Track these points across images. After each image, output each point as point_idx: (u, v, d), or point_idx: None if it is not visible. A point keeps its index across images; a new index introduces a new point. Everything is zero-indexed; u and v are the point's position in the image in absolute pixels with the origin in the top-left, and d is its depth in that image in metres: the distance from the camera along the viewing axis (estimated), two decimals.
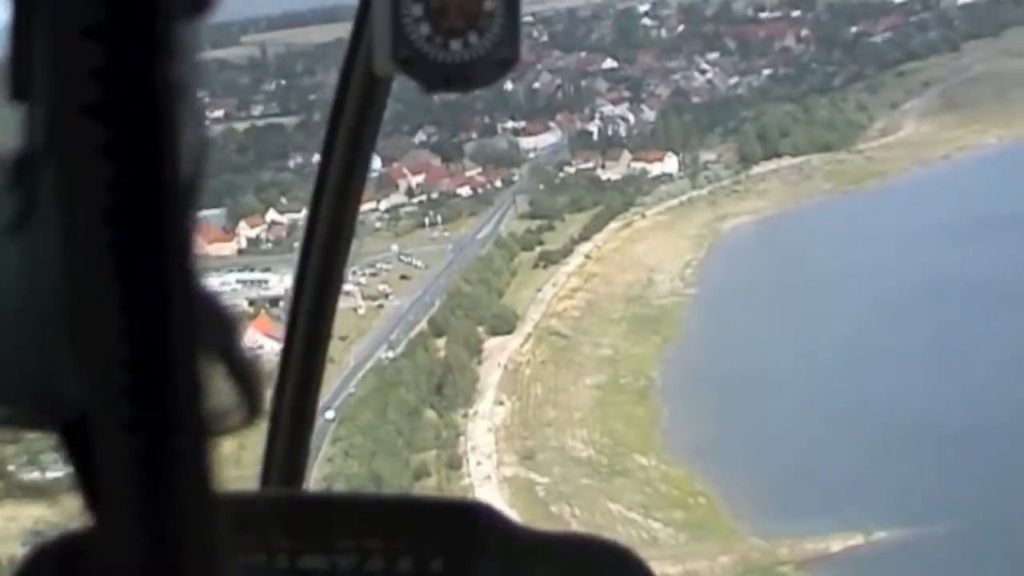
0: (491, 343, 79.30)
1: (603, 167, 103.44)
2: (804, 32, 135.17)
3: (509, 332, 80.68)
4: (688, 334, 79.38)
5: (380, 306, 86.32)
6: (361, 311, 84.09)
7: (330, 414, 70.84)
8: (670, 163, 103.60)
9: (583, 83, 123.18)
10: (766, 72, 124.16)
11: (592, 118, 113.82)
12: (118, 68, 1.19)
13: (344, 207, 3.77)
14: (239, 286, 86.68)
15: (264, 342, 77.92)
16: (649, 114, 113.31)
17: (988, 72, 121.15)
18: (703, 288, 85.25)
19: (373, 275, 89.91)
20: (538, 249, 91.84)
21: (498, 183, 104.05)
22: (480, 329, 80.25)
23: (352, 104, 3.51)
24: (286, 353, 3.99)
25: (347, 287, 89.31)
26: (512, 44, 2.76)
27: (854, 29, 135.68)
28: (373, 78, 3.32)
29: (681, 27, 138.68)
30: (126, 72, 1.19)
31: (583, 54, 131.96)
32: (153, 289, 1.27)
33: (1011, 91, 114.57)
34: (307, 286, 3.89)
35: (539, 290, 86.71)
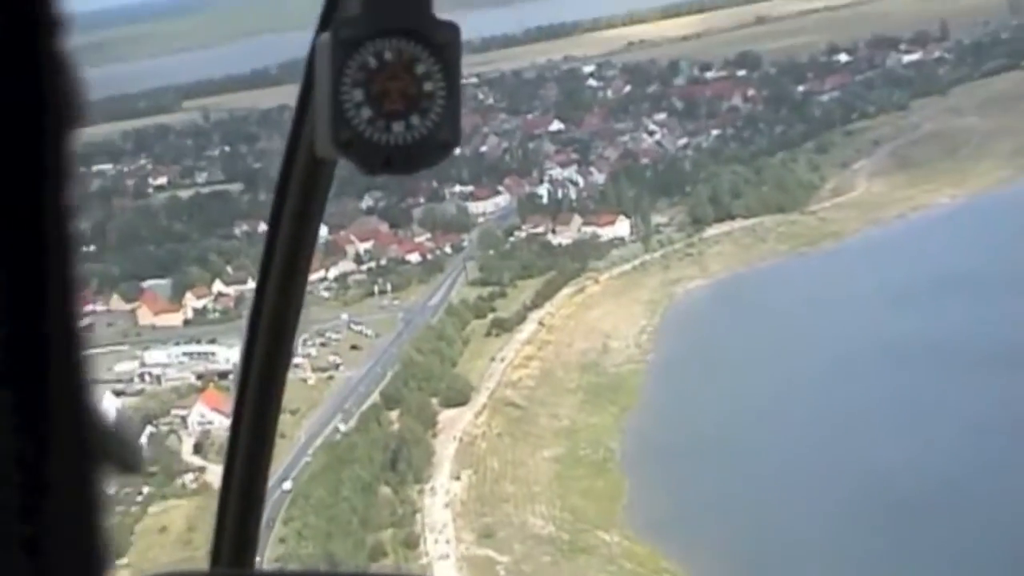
0: (445, 415, 78.47)
1: (554, 232, 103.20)
2: (751, 92, 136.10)
3: (463, 403, 79.90)
4: (647, 402, 78.78)
5: (330, 377, 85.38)
6: (311, 382, 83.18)
7: (288, 484, 69.99)
8: (622, 227, 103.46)
9: (530, 145, 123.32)
10: (715, 132, 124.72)
11: (541, 181, 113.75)
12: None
13: (291, 287, 3.76)
14: (186, 359, 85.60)
15: (213, 417, 77.16)
16: (598, 177, 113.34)
17: (937, 131, 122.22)
18: (660, 354, 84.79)
19: (323, 345, 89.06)
20: (490, 316, 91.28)
21: (448, 249, 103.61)
22: (434, 400, 79.45)
23: (296, 185, 3.51)
24: (235, 428, 3.96)
25: (296, 358, 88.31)
26: (452, 127, 2.77)
27: (801, 88, 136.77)
28: (316, 160, 3.31)
29: (627, 88, 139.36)
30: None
31: (529, 116, 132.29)
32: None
33: (961, 150, 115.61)
34: (255, 364, 3.86)
35: (493, 359, 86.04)
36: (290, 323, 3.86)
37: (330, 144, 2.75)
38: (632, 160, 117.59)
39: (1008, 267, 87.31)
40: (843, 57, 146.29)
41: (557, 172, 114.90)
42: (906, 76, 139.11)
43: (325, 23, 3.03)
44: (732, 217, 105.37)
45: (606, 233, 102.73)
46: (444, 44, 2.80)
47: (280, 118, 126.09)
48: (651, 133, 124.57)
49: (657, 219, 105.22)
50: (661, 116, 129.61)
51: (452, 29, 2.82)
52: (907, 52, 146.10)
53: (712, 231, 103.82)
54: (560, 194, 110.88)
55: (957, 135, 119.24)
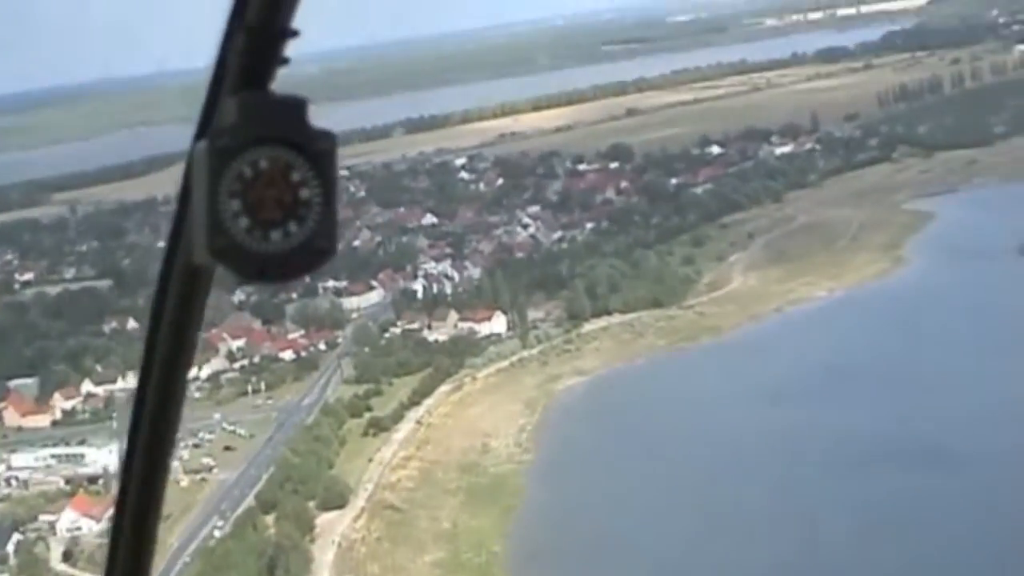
0: (323, 519, 77.18)
1: (429, 327, 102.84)
2: (624, 184, 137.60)
3: (342, 506, 78.69)
4: (529, 503, 78.15)
5: (204, 480, 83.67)
6: (184, 484, 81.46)
7: None
8: (498, 322, 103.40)
9: (404, 239, 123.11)
10: (589, 225, 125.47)
11: (415, 276, 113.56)
12: None
13: (170, 391, 3.72)
14: (54, 462, 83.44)
15: (83, 523, 75.14)
16: (473, 271, 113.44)
17: (812, 223, 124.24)
18: (541, 453, 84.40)
19: (195, 447, 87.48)
20: (367, 415, 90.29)
21: (322, 346, 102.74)
22: (311, 504, 78.15)
23: (175, 290, 3.49)
24: (115, 532, 3.86)
25: None
26: (329, 234, 2.83)
27: (675, 181, 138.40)
28: (193, 267, 3.32)
29: (500, 180, 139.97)
30: None
31: (402, 209, 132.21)
32: None
33: (837, 242, 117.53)
34: (136, 469, 3.80)
35: (370, 460, 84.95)
36: (171, 425, 3.83)
37: (206, 252, 2.78)
38: (507, 254, 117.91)
39: (889, 362, 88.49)
40: (715, 149, 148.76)
41: (432, 266, 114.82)
42: (779, 168, 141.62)
43: (202, 130, 3.04)
44: (609, 312, 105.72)
45: (483, 329, 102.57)
46: (320, 152, 2.84)
47: (150, 211, 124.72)
48: (525, 226, 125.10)
49: (534, 314, 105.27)
50: (535, 209, 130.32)
51: (328, 137, 2.85)
52: (779, 145, 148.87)
53: (590, 326, 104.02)
54: (435, 289, 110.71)
55: (832, 227, 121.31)
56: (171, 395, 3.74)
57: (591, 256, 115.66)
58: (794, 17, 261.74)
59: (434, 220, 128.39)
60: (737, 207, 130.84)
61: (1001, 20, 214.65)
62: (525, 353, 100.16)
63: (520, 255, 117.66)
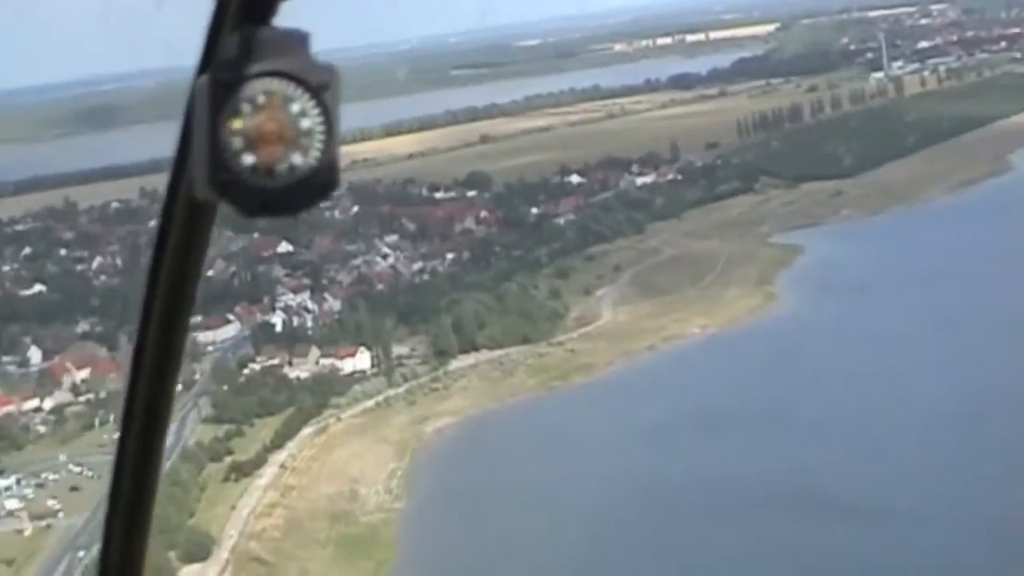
0: (185, 572, 73.56)
1: (291, 364, 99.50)
2: (484, 214, 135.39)
3: (204, 558, 75.34)
4: (403, 556, 75.32)
5: (48, 526, 79.44)
6: (27, 533, 77.34)
7: None
8: (362, 359, 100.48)
9: (260, 269, 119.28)
10: (450, 256, 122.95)
11: (274, 308, 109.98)
12: None
13: (172, 329, 3.82)
14: None
15: None
16: (333, 303, 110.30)
17: (679, 255, 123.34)
18: (413, 501, 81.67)
19: (39, 487, 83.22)
20: (228, 459, 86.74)
21: (177, 384, 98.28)
22: (171, 555, 74.38)
23: (177, 227, 3.56)
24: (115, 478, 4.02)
25: (11, 503, 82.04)
26: (331, 169, 2.90)
27: (535, 211, 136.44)
28: (196, 202, 3.39)
29: (355, 208, 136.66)
30: None
31: (256, 236, 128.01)
32: None
33: (705, 276, 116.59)
34: (135, 413, 3.96)
35: (233, 507, 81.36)
36: (173, 361, 3.89)
37: (207, 186, 2.83)
38: (367, 285, 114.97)
39: (768, 402, 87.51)
40: (575, 178, 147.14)
41: (290, 298, 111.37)
42: (641, 199, 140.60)
43: (204, 66, 3.10)
44: (477, 348, 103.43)
45: (346, 366, 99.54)
46: (322, 85, 2.90)
47: None
48: (384, 256, 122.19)
49: (399, 350, 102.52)
50: (393, 238, 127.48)
51: (330, 71, 2.91)
52: (640, 174, 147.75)
53: (457, 363, 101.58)
54: (295, 323, 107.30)
55: (699, 261, 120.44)
56: (174, 331, 3.79)
57: (454, 289, 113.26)
58: (643, 43, 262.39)
59: (290, 248, 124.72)
60: (601, 238, 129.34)
61: (852, 48, 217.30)
62: (391, 392, 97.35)
63: (381, 287, 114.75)
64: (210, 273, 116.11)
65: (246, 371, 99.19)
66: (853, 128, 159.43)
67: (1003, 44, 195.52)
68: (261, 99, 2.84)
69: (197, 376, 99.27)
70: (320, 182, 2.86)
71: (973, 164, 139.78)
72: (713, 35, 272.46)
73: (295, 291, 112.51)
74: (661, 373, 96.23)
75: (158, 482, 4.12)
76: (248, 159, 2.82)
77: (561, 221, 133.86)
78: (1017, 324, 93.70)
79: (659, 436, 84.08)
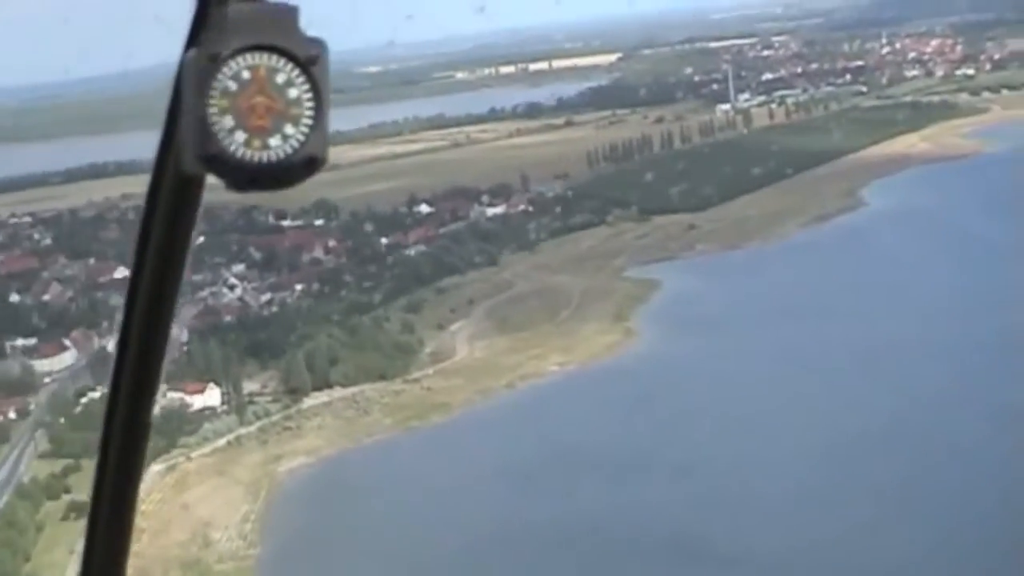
0: None
1: None
2: (332, 243, 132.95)
3: None
4: None
5: None
6: None
7: None
8: (212, 395, 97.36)
9: (98, 295, 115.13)
10: (299, 287, 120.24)
11: (112, 336, 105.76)
12: None
13: (160, 303, 3.92)
14: None
15: None
16: (181, 334, 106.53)
17: (533, 290, 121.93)
18: (268, 547, 78.71)
19: None
20: (66, 497, 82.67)
21: (12, 415, 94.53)
22: None
23: (165, 201, 3.63)
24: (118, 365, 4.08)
25: None
26: (320, 143, 2.96)
27: (385, 241, 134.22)
28: (184, 176, 3.44)
29: (200, 236, 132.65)
30: None
31: (92, 261, 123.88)
32: None
33: (561, 311, 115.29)
34: (122, 389, 4.02)
35: (72, 551, 77.47)
36: (160, 338, 3.94)
37: (196, 160, 2.90)
38: (215, 317, 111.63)
39: (630, 444, 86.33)
40: (424, 208, 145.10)
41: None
42: (493, 230, 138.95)
43: (192, 41, 3.12)
44: (331, 385, 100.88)
45: (196, 402, 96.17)
46: (311, 60, 2.97)
47: None
48: (232, 287, 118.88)
49: (249, 386, 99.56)
50: (240, 268, 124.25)
51: (319, 45, 2.99)
52: (490, 205, 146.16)
53: (311, 401, 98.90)
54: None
55: (554, 295, 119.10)
56: (161, 306, 3.85)
57: (305, 322, 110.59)
58: (486, 71, 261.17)
59: (128, 274, 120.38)
60: (453, 270, 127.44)
61: (697, 79, 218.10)
62: (243, 431, 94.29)
63: (229, 319, 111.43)
64: (46, 297, 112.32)
65: (84, 400, 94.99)
66: (704, 161, 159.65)
67: (848, 77, 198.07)
68: (249, 73, 2.86)
69: (32, 407, 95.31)
70: (309, 155, 2.90)
71: (825, 199, 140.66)
72: (556, 64, 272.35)
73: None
74: (521, 412, 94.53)
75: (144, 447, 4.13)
76: (240, 134, 2.84)
77: (412, 252, 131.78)
78: (879, 362, 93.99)
79: (520, 478, 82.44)
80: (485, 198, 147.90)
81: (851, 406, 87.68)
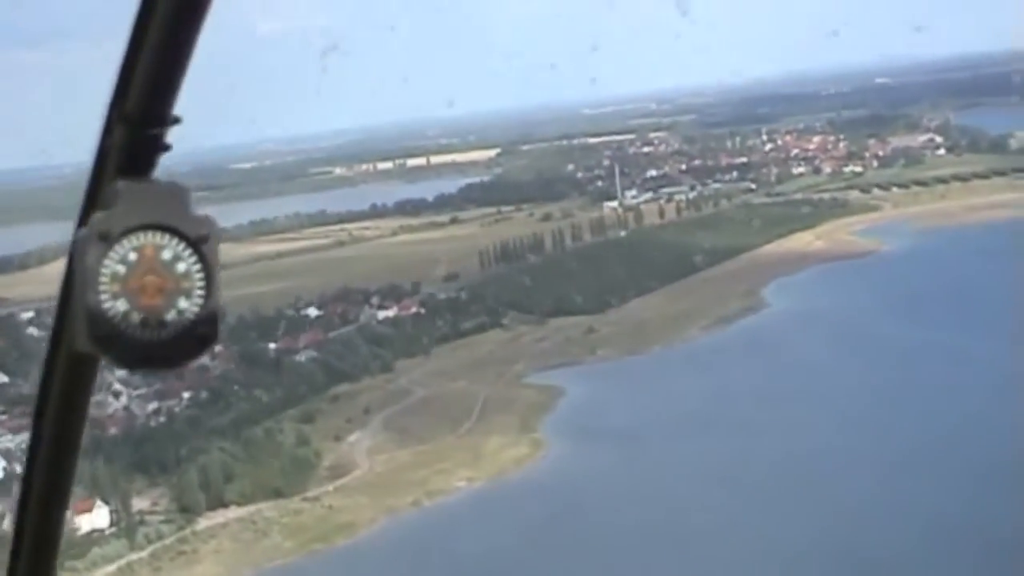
0: None
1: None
2: (219, 348, 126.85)
3: None
4: None
5: None
6: None
7: None
8: (100, 514, 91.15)
9: None
10: (187, 395, 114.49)
11: None
12: None
13: (57, 481, 3.91)
14: None
15: None
16: None
17: (431, 397, 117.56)
18: None
19: None
20: None
21: None
22: None
23: (59, 380, 3.67)
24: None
25: None
26: (211, 321, 2.97)
27: (274, 346, 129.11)
28: (78, 355, 3.48)
29: None
30: None
31: None
32: None
33: (463, 422, 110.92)
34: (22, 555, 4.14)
35: None
36: (59, 510, 4.00)
37: (87, 340, 2.90)
38: (99, 429, 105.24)
39: (547, 568, 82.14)
40: (313, 311, 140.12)
41: (8, 439, 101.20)
42: (385, 334, 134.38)
43: (84, 218, 3.17)
44: (226, 504, 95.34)
45: (83, 523, 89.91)
46: (201, 239, 3.00)
47: None
48: (117, 395, 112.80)
49: (139, 504, 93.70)
50: (123, 374, 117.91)
51: (209, 224, 3.03)
52: (381, 307, 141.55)
53: (206, 522, 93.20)
54: (17, 468, 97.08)
55: (454, 404, 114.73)
56: (58, 483, 3.86)
57: (195, 434, 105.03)
58: (364, 167, 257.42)
59: (6, 379, 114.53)
60: (346, 377, 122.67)
61: (580, 175, 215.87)
62: (134, 556, 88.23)
63: (115, 431, 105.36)
64: None
65: None
66: (598, 260, 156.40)
67: (735, 174, 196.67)
68: (136, 254, 2.88)
69: None
70: (201, 334, 2.90)
71: (725, 300, 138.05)
72: (434, 160, 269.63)
73: (13, 432, 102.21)
74: (430, 533, 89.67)
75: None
76: (134, 316, 2.85)
77: (302, 358, 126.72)
78: (800, 475, 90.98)
79: None
80: (375, 300, 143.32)
81: (777, 523, 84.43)
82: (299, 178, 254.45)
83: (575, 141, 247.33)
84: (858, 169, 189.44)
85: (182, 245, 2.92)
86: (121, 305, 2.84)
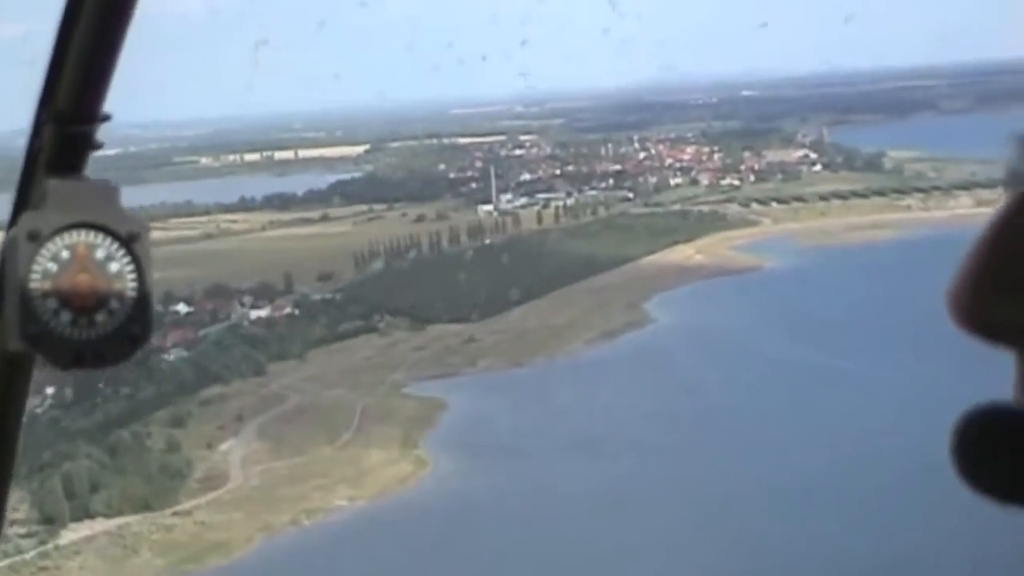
0: None
1: None
2: None
3: None
4: None
5: None
6: None
7: None
8: None
9: None
10: (49, 391, 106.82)
11: None
12: None
13: None
14: None
15: None
16: None
17: (307, 405, 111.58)
18: None
19: None
20: None
21: None
22: None
23: None
24: None
25: None
26: (143, 321, 3.00)
27: None
28: (10, 355, 3.42)
29: None
30: None
31: None
32: None
33: (341, 433, 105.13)
34: None
35: None
36: None
37: (19, 339, 2.91)
38: None
39: None
40: (183, 308, 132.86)
41: None
42: (258, 335, 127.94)
43: (15, 218, 3.13)
44: (92, 515, 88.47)
45: None
46: (132, 236, 3.03)
47: None
48: None
49: None
50: None
51: (139, 222, 3.07)
52: (253, 306, 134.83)
53: (71, 535, 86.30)
54: None
55: (332, 413, 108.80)
56: None
57: (59, 438, 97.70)
58: (230, 158, 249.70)
59: None
60: (217, 379, 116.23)
61: (452, 176, 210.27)
62: None
63: None
64: None
65: None
66: (477, 265, 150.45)
67: (610, 182, 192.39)
68: (68, 252, 2.88)
69: None
70: (132, 334, 2.92)
71: (608, 312, 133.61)
72: (303, 154, 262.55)
73: None
74: (310, 557, 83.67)
75: None
76: (65, 315, 2.86)
77: (171, 357, 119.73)
78: (700, 503, 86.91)
79: None
80: (247, 298, 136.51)
81: (670, 550, 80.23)
82: (164, 166, 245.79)
83: (445, 141, 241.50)
84: (736, 182, 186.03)
85: (115, 244, 2.85)
86: (52, 304, 2.80)
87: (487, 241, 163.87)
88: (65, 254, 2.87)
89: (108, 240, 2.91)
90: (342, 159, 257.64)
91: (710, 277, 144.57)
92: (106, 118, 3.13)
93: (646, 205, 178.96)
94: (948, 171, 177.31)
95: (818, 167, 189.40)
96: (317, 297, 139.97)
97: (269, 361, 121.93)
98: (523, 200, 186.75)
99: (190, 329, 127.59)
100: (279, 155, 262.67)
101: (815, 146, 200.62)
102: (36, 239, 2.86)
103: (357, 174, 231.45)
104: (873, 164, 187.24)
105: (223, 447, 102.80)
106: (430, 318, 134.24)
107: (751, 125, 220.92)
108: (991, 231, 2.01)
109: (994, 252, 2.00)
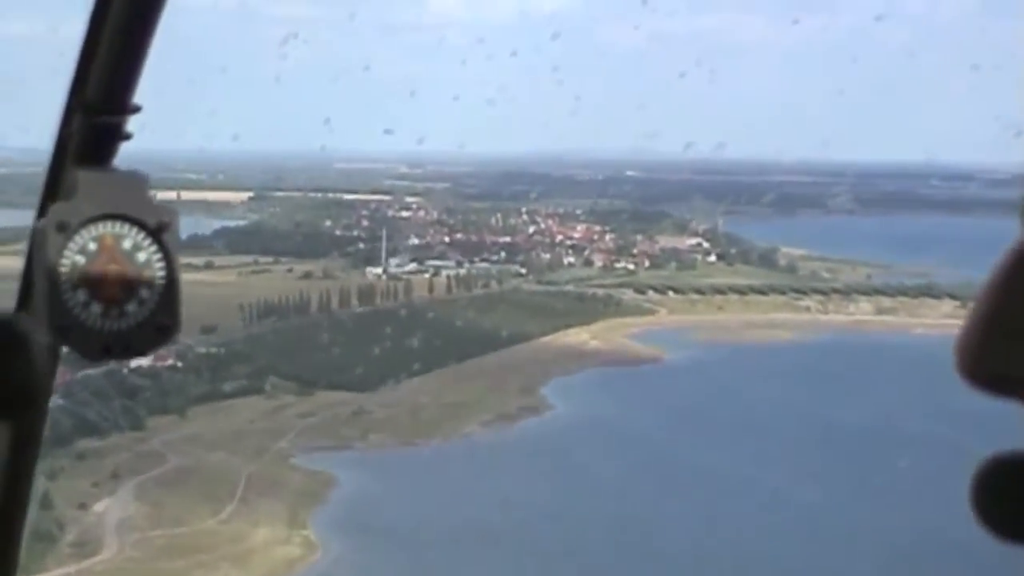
0: None
1: None
2: None
3: None
4: None
5: None
6: None
7: None
8: None
9: None
10: None
11: None
12: None
13: (17, 484, 3.93)
14: None
15: None
16: None
17: (188, 468, 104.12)
18: None
19: None
20: None
21: None
22: None
23: None
24: None
25: None
26: (171, 311, 2.97)
27: None
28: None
29: None
30: None
31: None
32: None
33: (224, 503, 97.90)
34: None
35: None
36: (20, 502, 4.01)
37: (50, 331, 2.91)
38: None
39: None
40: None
41: None
42: (137, 385, 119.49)
43: (44, 208, 3.15)
44: None
45: None
46: (161, 227, 3.00)
47: None
48: None
49: None
50: None
51: (170, 213, 3.02)
52: None
53: None
54: None
55: (214, 479, 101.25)
56: (17, 480, 3.83)
57: None
58: None
59: None
60: (93, 430, 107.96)
61: (338, 233, 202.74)
62: None
63: None
64: None
65: None
66: (368, 331, 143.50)
67: (502, 254, 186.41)
68: (95, 244, 2.86)
69: None
70: (161, 324, 2.89)
71: (504, 394, 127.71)
72: (185, 196, 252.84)
73: None
74: None
75: None
76: (95, 306, 2.84)
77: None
78: None
79: None
80: None
81: None
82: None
83: (329, 195, 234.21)
84: (631, 266, 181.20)
85: (142, 234, 2.83)
86: (81, 295, 2.79)
87: (378, 306, 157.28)
88: (94, 245, 2.80)
89: (136, 230, 2.84)
90: (227, 205, 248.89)
91: (608, 365, 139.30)
92: (136, 109, 3.07)
93: (539, 283, 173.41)
94: (843, 272, 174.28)
95: (712, 257, 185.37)
96: (201, 350, 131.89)
97: (149, 414, 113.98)
98: (412, 266, 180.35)
99: (67, 374, 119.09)
100: (161, 195, 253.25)
101: (708, 235, 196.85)
102: (65, 230, 2.81)
103: (242, 222, 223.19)
104: (768, 259, 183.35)
105: (98, 507, 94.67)
106: (317, 383, 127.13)
107: (638, 207, 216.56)
108: (999, 279, 1.89)
109: (1003, 301, 1.89)
